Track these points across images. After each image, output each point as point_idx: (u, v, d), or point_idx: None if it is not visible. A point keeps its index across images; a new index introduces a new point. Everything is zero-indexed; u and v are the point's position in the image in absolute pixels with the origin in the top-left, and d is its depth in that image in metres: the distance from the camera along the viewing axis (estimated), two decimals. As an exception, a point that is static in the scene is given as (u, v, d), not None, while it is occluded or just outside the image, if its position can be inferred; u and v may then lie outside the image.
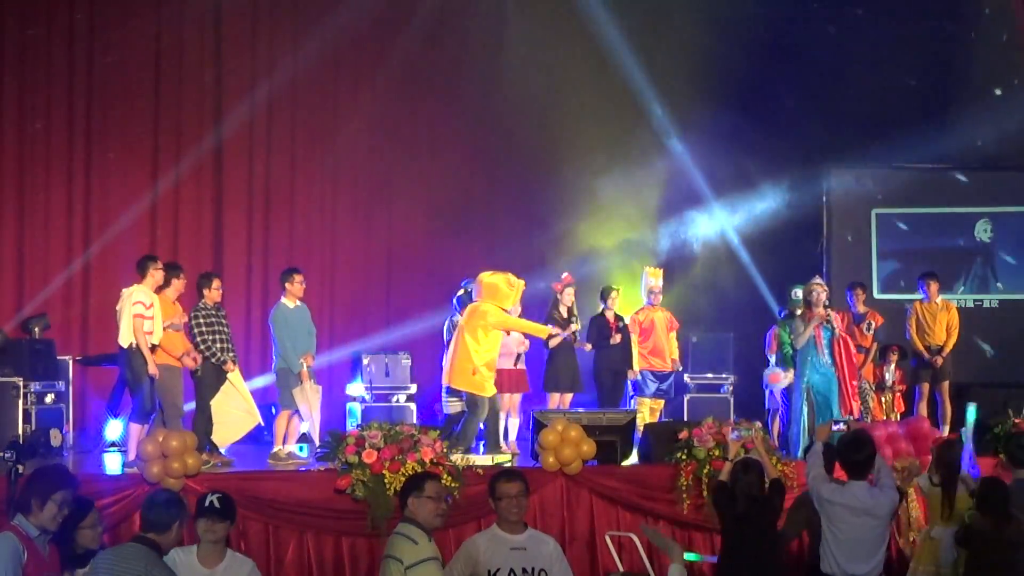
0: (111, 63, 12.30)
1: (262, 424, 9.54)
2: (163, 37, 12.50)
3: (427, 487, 5.45)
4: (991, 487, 6.65)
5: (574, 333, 10.58)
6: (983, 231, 13.08)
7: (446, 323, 10.43)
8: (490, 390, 9.39)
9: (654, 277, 11.01)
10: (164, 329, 8.87)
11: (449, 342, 9.90)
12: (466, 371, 9.30)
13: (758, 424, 8.81)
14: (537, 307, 10.91)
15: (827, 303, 9.66)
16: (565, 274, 10.72)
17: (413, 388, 11.19)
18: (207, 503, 5.59)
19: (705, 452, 8.24)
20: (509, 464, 8.78)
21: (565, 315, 10.57)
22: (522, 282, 9.71)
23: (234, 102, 12.68)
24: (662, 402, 10.99)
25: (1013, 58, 13.41)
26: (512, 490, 5.64)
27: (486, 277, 9.59)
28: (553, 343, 10.35)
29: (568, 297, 10.64)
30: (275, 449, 9.26)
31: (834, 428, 6.98)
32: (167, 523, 5.26)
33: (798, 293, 10.31)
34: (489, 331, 9.40)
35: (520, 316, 10.01)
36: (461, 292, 10.30)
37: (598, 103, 13.30)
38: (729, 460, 7.33)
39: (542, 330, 9.90)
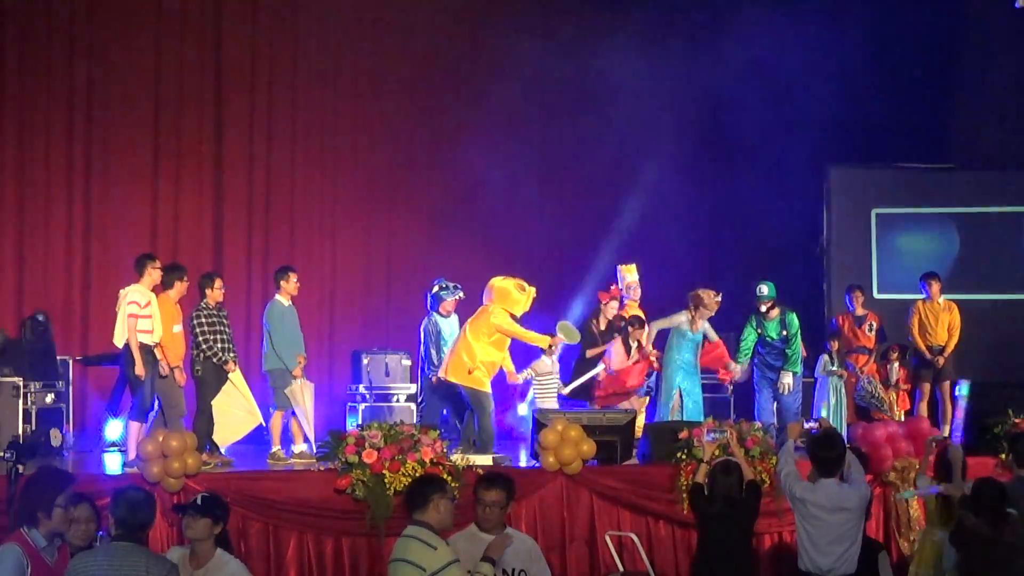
0: (112, 61, 12.30)
1: (263, 424, 9.54)
2: (164, 37, 12.51)
3: (447, 488, 5.48)
4: (984, 487, 6.62)
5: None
6: None
7: (423, 323, 10.39)
8: (488, 388, 9.46)
9: (629, 273, 10.98)
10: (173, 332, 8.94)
11: (423, 343, 9.95)
12: (463, 367, 9.39)
13: (757, 424, 8.81)
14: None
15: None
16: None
17: (413, 388, 11.19)
18: (190, 500, 5.58)
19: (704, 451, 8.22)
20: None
21: None
22: (533, 288, 9.78)
23: (235, 102, 12.71)
24: (646, 400, 10.95)
25: (1013, 57, 13.41)
26: (489, 497, 5.68)
27: (498, 281, 9.68)
28: (554, 353, 10.30)
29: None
30: (274, 449, 9.26)
31: (806, 426, 7.04)
32: (149, 521, 5.20)
33: (763, 289, 10.38)
34: (493, 333, 9.47)
35: None
36: (436, 289, 10.26)
37: (597, 105, 13.30)
38: (705, 462, 7.35)
39: (542, 339, 9.85)
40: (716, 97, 13.60)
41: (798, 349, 10.27)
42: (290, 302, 9.54)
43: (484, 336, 9.45)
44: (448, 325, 10.14)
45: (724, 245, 13.80)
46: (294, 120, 13.03)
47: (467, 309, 10.35)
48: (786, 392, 10.16)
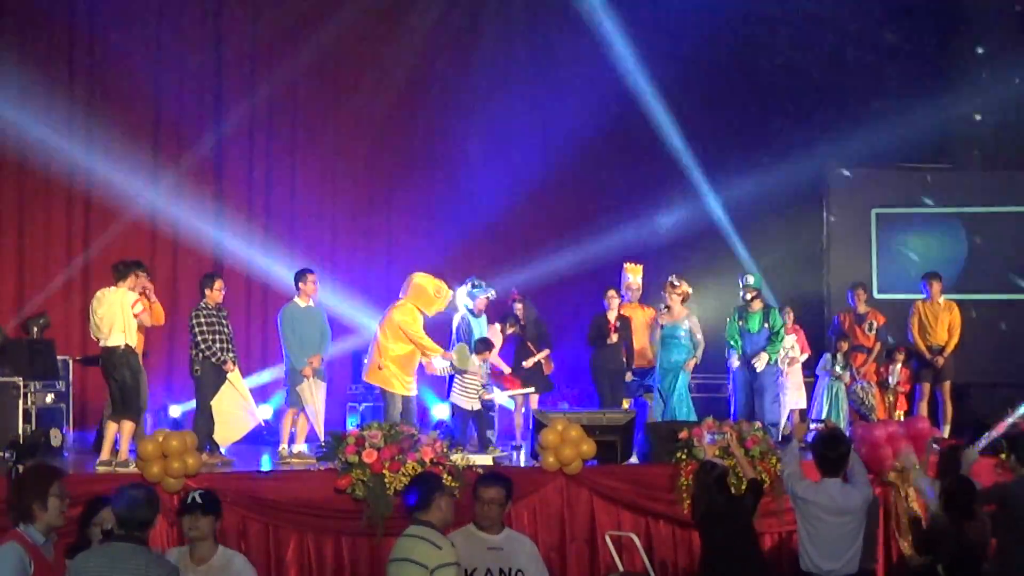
0: (112, 61, 12.31)
1: (262, 424, 9.54)
2: (164, 38, 12.53)
3: (444, 485, 5.49)
4: (958, 485, 6.66)
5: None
6: None
7: (456, 322, 10.44)
8: (399, 387, 9.34)
9: (632, 274, 10.98)
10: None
11: (454, 342, 9.92)
12: (374, 364, 9.37)
13: (757, 424, 8.80)
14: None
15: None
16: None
17: (413, 388, 11.18)
18: (189, 500, 5.55)
19: (705, 452, 8.22)
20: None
21: None
22: (451, 293, 9.66)
23: (235, 102, 12.72)
24: (652, 396, 10.94)
25: (1013, 57, 13.41)
26: (487, 495, 5.68)
27: (417, 277, 9.60)
28: (441, 371, 9.94)
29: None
30: (281, 447, 9.30)
31: (812, 426, 7.01)
32: (151, 520, 5.15)
33: (749, 279, 10.40)
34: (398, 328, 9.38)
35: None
36: (468, 288, 10.28)
37: (597, 103, 13.31)
38: None
39: (436, 349, 9.62)
40: (716, 97, 13.59)
41: (782, 337, 10.43)
42: (308, 303, 9.55)
43: (390, 331, 9.38)
44: (478, 325, 10.12)
45: (724, 246, 13.79)
46: (294, 120, 13.06)
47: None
48: (760, 367, 10.26)
